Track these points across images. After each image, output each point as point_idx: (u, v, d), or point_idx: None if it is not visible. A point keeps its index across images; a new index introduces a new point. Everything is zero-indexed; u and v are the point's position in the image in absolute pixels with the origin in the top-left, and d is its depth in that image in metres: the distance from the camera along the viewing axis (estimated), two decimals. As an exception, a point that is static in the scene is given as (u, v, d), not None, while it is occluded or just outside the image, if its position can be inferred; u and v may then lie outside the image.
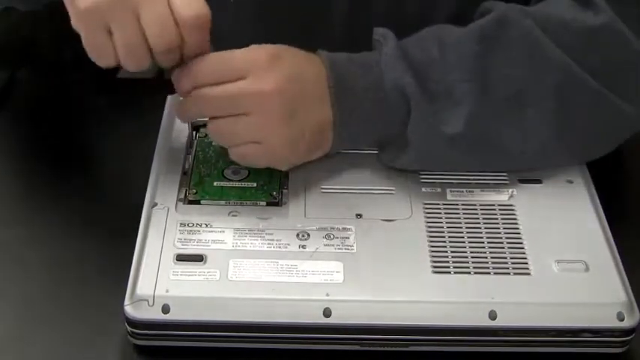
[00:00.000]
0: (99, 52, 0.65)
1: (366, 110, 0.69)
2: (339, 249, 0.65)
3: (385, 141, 0.71)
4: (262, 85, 0.66)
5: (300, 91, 0.68)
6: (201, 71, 0.67)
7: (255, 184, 0.71)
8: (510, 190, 0.71)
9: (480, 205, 0.70)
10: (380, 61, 0.69)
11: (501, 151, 0.70)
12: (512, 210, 0.69)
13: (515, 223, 0.68)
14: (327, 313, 0.62)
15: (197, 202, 0.69)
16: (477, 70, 0.68)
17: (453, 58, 0.69)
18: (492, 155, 0.71)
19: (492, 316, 0.62)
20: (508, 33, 0.69)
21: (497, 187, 0.71)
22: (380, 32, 0.71)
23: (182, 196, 0.69)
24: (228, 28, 0.84)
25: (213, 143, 0.74)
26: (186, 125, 0.75)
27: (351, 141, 0.71)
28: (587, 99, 0.70)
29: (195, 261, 0.64)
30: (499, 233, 0.67)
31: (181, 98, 0.69)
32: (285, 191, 0.70)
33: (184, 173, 0.72)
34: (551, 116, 0.69)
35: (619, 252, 0.66)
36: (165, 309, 0.62)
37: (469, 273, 0.64)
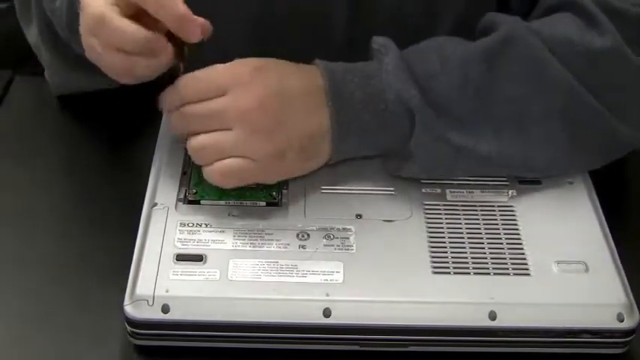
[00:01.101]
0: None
1: (365, 121, 0.68)
2: (339, 249, 0.65)
3: (388, 152, 0.71)
4: (243, 101, 0.66)
5: (286, 104, 0.67)
6: (184, 89, 0.68)
7: (255, 184, 0.70)
8: (510, 191, 0.71)
9: (480, 205, 0.70)
10: (381, 71, 0.68)
11: (505, 165, 0.70)
12: (512, 211, 0.69)
13: (515, 224, 0.68)
14: (326, 313, 0.62)
15: (197, 202, 0.69)
16: (480, 87, 0.68)
17: (457, 74, 0.68)
18: (495, 168, 0.70)
19: (492, 316, 0.62)
20: (513, 52, 0.69)
21: (497, 187, 0.71)
22: (380, 42, 0.70)
23: (182, 196, 0.69)
24: (226, 35, 0.85)
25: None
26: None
27: (351, 151, 0.70)
28: (589, 118, 0.69)
29: (195, 261, 0.64)
30: (499, 234, 0.67)
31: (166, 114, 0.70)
32: (284, 191, 0.70)
33: (184, 173, 0.71)
34: (557, 134, 0.69)
35: (619, 253, 0.66)
36: (165, 309, 0.62)
37: (469, 273, 0.64)
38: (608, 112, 0.69)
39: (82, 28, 0.68)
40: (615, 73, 0.70)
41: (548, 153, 0.70)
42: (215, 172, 0.67)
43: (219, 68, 0.68)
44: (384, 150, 0.71)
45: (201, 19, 0.65)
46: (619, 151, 0.73)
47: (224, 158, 0.66)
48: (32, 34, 0.84)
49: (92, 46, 0.67)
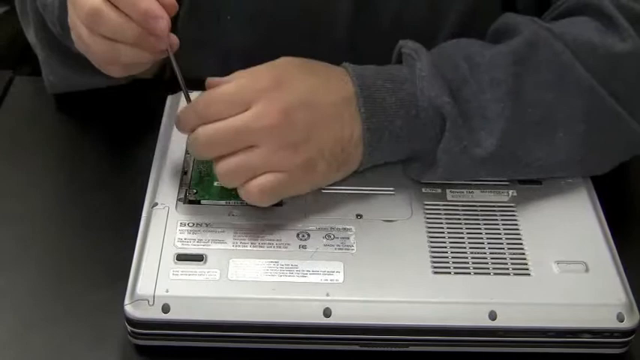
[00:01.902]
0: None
1: (397, 127, 0.67)
2: (339, 249, 0.65)
3: (414, 157, 0.70)
4: (268, 116, 0.64)
5: (313, 113, 0.66)
6: (204, 108, 0.66)
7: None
8: (510, 191, 0.71)
9: (480, 205, 0.70)
10: (414, 76, 0.68)
11: (527, 165, 0.70)
12: (513, 211, 0.69)
13: (515, 224, 0.68)
14: (327, 313, 0.62)
15: (197, 202, 0.69)
16: (509, 92, 0.68)
17: (486, 79, 0.68)
18: (519, 170, 0.70)
19: (492, 316, 0.62)
20: (540, 56, 0.69)
21: (497, 187, 0.71)
22: (411, 46, 0.69)
23: (182, 195, 0.69)
24: (228, 36, 0.85)
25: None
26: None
27: (382, 158, 0.70)
28: (611, 122, 0.70)
29: (196, 261, 0.64)
30: (499, 234, 0.67)
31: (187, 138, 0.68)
32: (285, 191, 0.70)
33: (184, 173, 0.72)
34: (580, 138, 0.69)
35: (619, 253, 0.66)
36: (166, 309, 0.62)
37: (469, 273, 0.64)
38: (629, 115, 0.70)
39: (71, 18, 0.67)
40: (636, 77, 0.70)
41: (571, 156, 0.70)
42: (250, 192, 0.65)
43: (239, 82, 0.66)
44: (411, 155, 0.70)
45: (165, 22, 0.64)
46: (633, 154, 0.73)
47: (256, 176, 0.65)
48: (31, 34, 0.84)
49: (80, 35, 0.66)
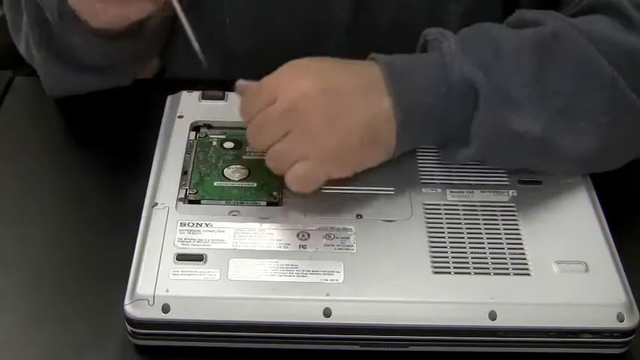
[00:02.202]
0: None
1: (428, 105, 0.68)
2: (339, 249, 0.65)
3: (448, 138, 0.70)
4: (292, 102, 0.66)
5: (337, 96, 0.67)
6: (244, 103, 0.70)
7: (255, 184, 0.71)
8: (510, 191, 0.71)
9: (480, 205, 0.70)
10: (443, 55, 0.68)
11: (552, 152, 0.70)
12: (513, 211, 0.69)
13: (516, 224, 0.68)
14: (327, 313, 0.62)
15: (197, 202, 0.69)
16: (534, 79, 0.68)
17: (512, 64, 0.68)
18: (545, 158, 0.71)
19: (492, 316, 0.62)
20: (564, 46, 0.69)
21: (497, 187, 0.71)
22: (434, 32, 0.70)
23: (182, 195, 0.69)
24: (228, 39, 0.85)
25: (213, 143, 0.74)
26: (187, 125, 0.76)
27: (415, 139, 0.70)
28: (632, 116, 0.70)
29: (196, 261, 0.64)
30: (499, 234, 0.67)
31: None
32: (285, 191, 0.70)
33: (184, 173, 0.72)
34: (601, 129, 0.70)
35: (619, 253, 0.67)
36: (166, 308, 0.62)
37: (469, 273, 0.64)
38: None
39: None
40: None
41: (591, 146, 0.70)
42: (289, 180, 0.68)
43: (267, 77, 0.69)
44: (445, 134, 0.70)
45: None
46: None
47: (293, 164, 0.67)
48: (22, 47, 0.84)
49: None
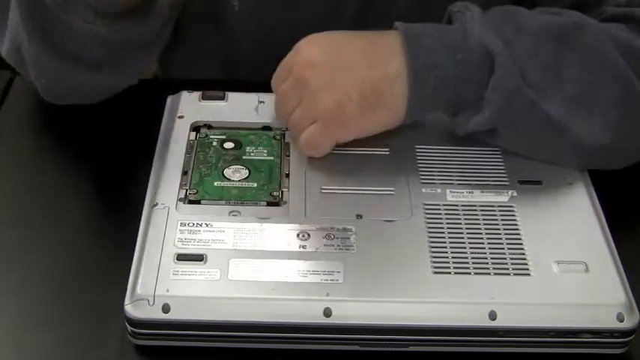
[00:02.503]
0: None
1: (443, 68, 0.69)
2: (339, 249, 0.66)
3: (460, 106, 0.71)
4: (299, 73, 0.70)
5: (335, 61, 0.70)
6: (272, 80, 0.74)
7: (255, 184, 0.71)
8: (510, 192, 0.71)
9: (480, 205, 0.70)
10: (465, 23, 0.69)
11: (563, 135, 0.71)
12: (512, 211, 0.69)
13: (515, 224, 0.68)
14: (327, 313, 0.62)
15: (197, 202, 0.69)
16: (551, 62, 0.69)
17: (531, 43, 0.69)
18: (561, 146, 0.71)
19: (492, 316, 0.62)
20: (585, 38, 0.71)
21: (497, 188, 0.71)
22: (460, 4, 0.71)
23: (182, 195, 0.69)
24: (232, 41, 0.85)
25: (213, 143, 0.74)
26: (187, 125, 0.76)
27: (426, 103, 0.70)
28: None
29: (196, 261, 0.64)
30: (499, 234, 0.67)
31: None
32: (285, 191, 0.70)
33: (185, 173, 0.72)
34: (614, 123, 0.70)
35: (619, 253, 0.67)
36: (166, 308, 0.62)
37: (469, 273, 0.65)
38: None
39: None
40: None
41: (603, 139, 0.71)
42: (301, 146, 0.72)
43: (290, 52, 0.72)
44: (457, 104, 0.70)
45: None
46: None
47: (304, 130, 0.71)
48: (5, 48, 0.80)
49: None
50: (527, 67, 0.69)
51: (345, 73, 0.69)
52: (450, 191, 0.71)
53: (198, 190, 0.70)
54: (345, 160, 0.73)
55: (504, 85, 0.68)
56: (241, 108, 0.78)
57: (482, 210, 0.69)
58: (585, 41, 0.70)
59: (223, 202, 0.69)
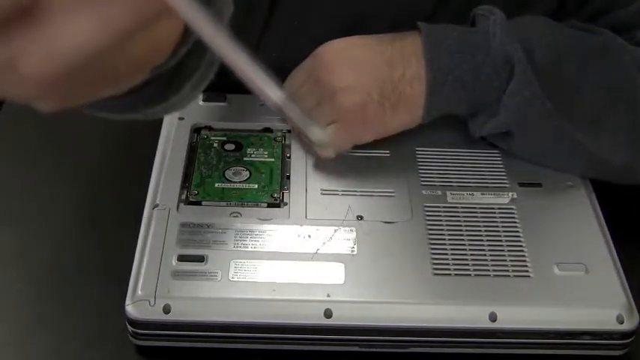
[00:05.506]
0: None
1: (462, 71, 0.69)
2: (339, 250, 0.66)
3: (477, 109, 0.71)
4: (316, 72, 0.70)
5: (355, 61, 0.70)
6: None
7: (256, 186, 0.71)
8: (510, 194, 0.71)
9: (480, 207, 0.70)
10: (487, 26, 0.69)
11: (573, 153, 0.71)
12: (513, 213, 0.70)
13: (516, 226, 0.68)
14: (327, 314, 0.62)
15: (198, 203, 0.69)
16: (572, 80, 0.70)
17: (554, 54, 0.69)
18: (565, 152, 0.72)
19: (492, 318, 0.62)
20: (609, 61, 0.71)
21: (497, 190, 0.71)
22: (485, 7, 0.71)
23: (183, 197, 0.70)
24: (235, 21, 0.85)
25: (214, 145, 0.74)
26: (188, 127, 0.76)
27: (444, 103, 0.70)
28: None
29: (197, 261, 0.64)
30: (499, 236, 0.68)
31: None
32: (285, 192, 0.70)
33: (186, 174, 0.72)
34: (623, 147, 0.71)
35: (618, 255, 0.67)
36: (167, 309, 0.62)
37: (469, 275, 0.65)
38: None
39: None
40: None
41: (612, 154, 0.71)
42: (317, 147, 0.71)
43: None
44: (474, 106, 0.71)
45: None
46: None
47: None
48: None
49: None
50: (546, 78, 0.68)
51: (366, 73, 0.69)
52: (451, 193, 0.71)
53: (199, 192, 0.70)
54: (346, 161, 0.73)
55: (521, 92, 0.68)
56: (242, 110, 0.78)
57: (482, 212, 0.69)
58: (609, 64, 0.70)
59: (224, 203, 0.69)
